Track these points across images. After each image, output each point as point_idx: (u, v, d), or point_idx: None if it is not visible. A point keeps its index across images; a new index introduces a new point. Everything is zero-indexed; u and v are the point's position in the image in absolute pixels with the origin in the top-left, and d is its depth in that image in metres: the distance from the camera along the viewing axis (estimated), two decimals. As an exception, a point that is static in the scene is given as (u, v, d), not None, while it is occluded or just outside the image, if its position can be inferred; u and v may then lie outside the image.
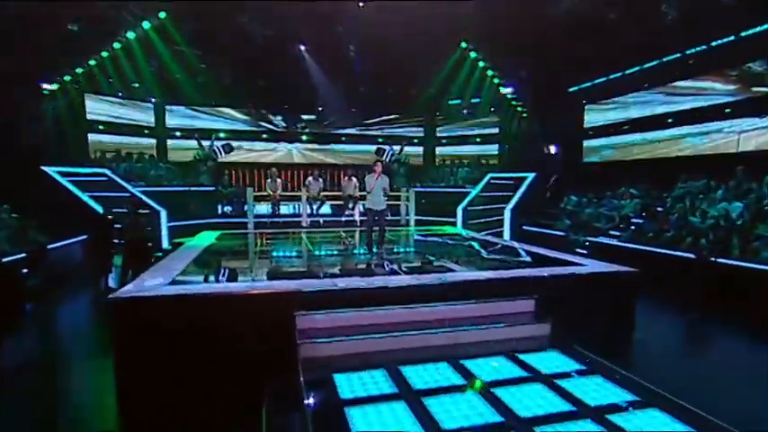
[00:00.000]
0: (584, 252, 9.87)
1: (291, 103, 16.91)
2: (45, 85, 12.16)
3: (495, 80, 15.31)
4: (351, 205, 11.46)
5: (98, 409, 4.17)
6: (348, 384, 3.42)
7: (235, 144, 16.05)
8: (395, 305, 4.63)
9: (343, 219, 11.53)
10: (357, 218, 11.52)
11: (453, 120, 18.16)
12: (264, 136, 17.48)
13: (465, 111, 17.79)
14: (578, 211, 12.25)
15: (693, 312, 6.62)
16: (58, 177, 10.44)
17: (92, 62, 12.87)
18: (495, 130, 17.40)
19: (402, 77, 15.40)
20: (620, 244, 9.58)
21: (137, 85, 14.40)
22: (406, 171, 15.89)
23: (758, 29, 9.47)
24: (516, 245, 8.66)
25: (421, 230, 11.29)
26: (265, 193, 11.93)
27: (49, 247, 8.50)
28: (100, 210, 8.83)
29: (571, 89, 14.75)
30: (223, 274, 6.02)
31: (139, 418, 3.87)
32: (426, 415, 2.95)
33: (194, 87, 15.08)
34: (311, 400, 3.20)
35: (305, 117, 17.50)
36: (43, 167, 10.51)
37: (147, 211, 10.85)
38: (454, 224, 12.83)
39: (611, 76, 13.25)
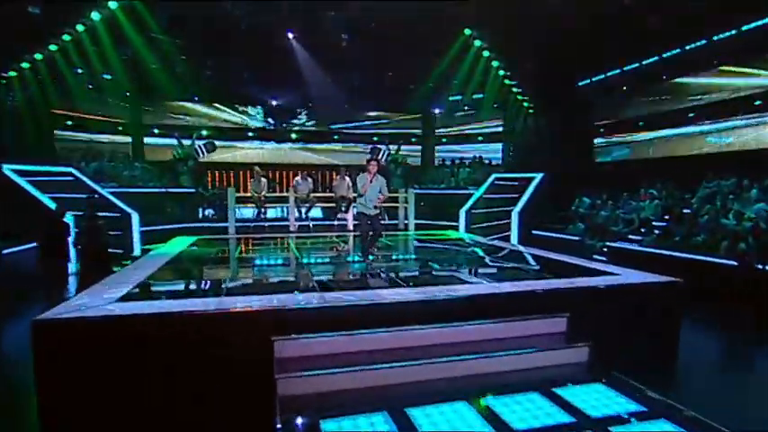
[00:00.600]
0: (604, 259, 9.22)
1: (279, 97, 16.17)
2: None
3: (501, 72, 14.61)
4: (343, 208, 10.70)
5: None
6: (339, 436, 2.68)
7: (218, 142, 15.25)
8: (397, 326, 3.87)
9: (336, 223, 10.76)
10: (350, 222, 10.78)
11: (453, 120, 17.52)
12: (250, 134, 16.75)
13: (466, 107, 17.18)
14: (592, 214, 11.58)
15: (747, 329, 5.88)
16: (13, 176, 9.61)
17: (52, 47, 11.95)
18: (499, 128, 16.79)
19: (399, 69, 14.70)
20: (642, 249, 8.89)
21: (108, 76, 13.58)
22: (404, 172, 15.18)
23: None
24: (530, 251, 7.95)
25: (422, 235, 10.56)
26: (249, 195, 11.14)
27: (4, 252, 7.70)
28: (52, 206, 7.94)
29: (581, 83, 14.14)
30: (187, 289, 5.22)
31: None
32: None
33: (173, 80, 14.28)
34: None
35: (294, 112, 16.84)
36: (-3, 165, 9.70)
37: (116, 215, 10.16)
38: (457, 228, 12.18)
39: (626, 68, 12.62)
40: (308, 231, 10.62)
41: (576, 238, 10.94)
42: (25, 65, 11.96)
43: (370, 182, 6.35)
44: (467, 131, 17.51)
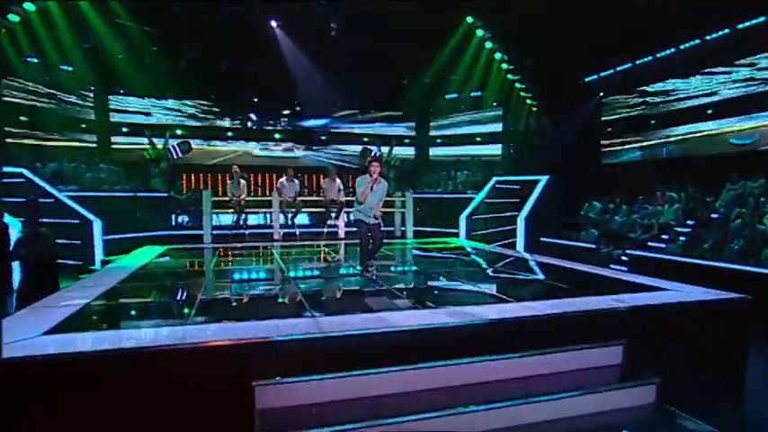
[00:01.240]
0: (624, 269, 8.65)
1: (261, 92, 15.36)
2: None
3: (504, 65, 13.99)
4: (334, 213, 9.92)
5: None
6: None
7: (194, 142, 14.41)
8: (410, 364, 3.12)
9: (325, 230, 9.97)
10: (341, 230, 10.00)
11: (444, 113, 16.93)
12: (229, 134, 15.90)
13: (463, 106, 16.60)
14: (605, 220, 11.02)
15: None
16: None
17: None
18: (499, 128, 16.20)
19: (394, 61, 14.02)
20: (669, 257, 8.31)
21: (69, 68, 12.62)
22: (397, 175, 14.45)
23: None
24: (546, 260, 7.30)
25: (422, 244, 9.85)
26: (227, 199, 10.29)
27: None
28: None
29: (588, 78, 13.64)
30: (145, 313, 4.36)
31: None
32: None
33: (142, 73, 13.38)
34: None
35: (277, 110, 16.02)
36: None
37: (75, 221, 9.27)
38: (457, 235, 11.56)
39: (639, 62, 12.12)
40: (296, 240, 9.80)
41: (590, 245, 10.36)
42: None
43: (372, 188, 5.52)
44: (464, 132, 16.89)
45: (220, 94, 15.15)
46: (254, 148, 16.11)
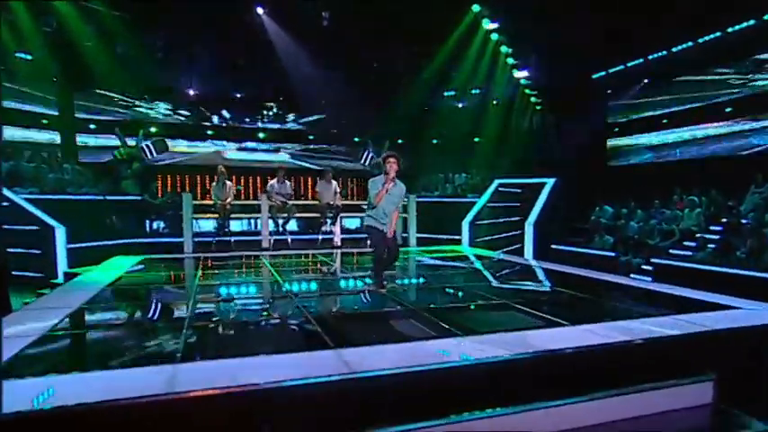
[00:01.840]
0: (648, 279, 8.25)
1: (246, 87, 14.66)
2: None
3: (510, 60, 13.51)
4: (329, 219, 9.29)
5: None
6: None
7: (170, 142, 13.69)
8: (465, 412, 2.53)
9: (320, 237, 9.31)
10: (337, 237, 9.37)
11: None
12: (209, 132, 15.18)
13: (460, 105, 16.20)
14: (620, 225, 10.65)
15: None
16: None
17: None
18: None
19: (390, 55, 13.50)
20: (698, 267, 7.92)
21: (28, 57, 11.74)
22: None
23: None
24: (567, 270, 6.84)
25: (428, 252, 9.33)
26: (211, 203, 9.58)
27: None
28: None
29: (596, 75, 13.34)
30: (116, 349, 3.53)
31: None
32: None
33: (114, 64, 12.58)
34: None
35: (263, 106, 15.45)
36: None
37: (34, 228, 8.48)
38: (459, 242, 11.08)
39: (651, 56, 11.84)
40: (287, 248, 9.13)
41: (605, 253, 9.96)
42: None
43: (387, 190, 4.94)
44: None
45: (200, 87, 14.46)
46: (236, 147, 15.45)
